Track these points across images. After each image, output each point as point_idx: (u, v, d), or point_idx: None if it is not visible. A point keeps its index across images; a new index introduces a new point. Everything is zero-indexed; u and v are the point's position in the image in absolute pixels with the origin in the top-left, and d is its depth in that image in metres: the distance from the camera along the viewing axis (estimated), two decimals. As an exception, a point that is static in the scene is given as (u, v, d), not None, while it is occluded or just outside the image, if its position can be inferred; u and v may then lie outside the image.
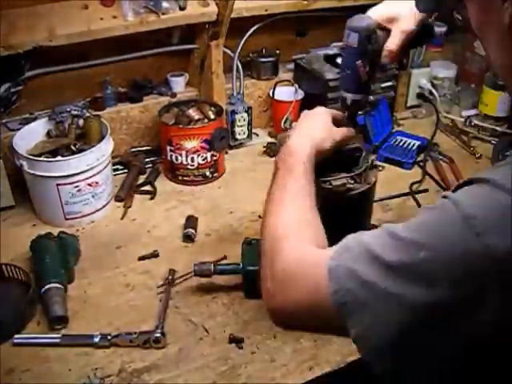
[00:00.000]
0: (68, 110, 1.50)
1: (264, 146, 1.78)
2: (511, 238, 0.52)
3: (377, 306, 0.60)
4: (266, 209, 0.87)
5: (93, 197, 1.43)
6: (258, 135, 1.86)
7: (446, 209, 0.58)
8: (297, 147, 0.95)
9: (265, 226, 0.84)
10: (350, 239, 0.67)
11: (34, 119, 1.53)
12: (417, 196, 1.56)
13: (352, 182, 1.12)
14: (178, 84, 1.75)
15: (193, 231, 1.39)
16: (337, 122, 1.05)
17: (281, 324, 0.78)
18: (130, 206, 1.52)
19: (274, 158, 0.98)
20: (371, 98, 1.83)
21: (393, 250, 0.59)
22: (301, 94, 1.83)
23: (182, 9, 1.54)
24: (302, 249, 0.76)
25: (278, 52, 1.87)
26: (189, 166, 1.60)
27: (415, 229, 0.60)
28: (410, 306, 0.57)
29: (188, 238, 1.39)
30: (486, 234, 0.53)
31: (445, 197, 0.60)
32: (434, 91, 1.98)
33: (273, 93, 1.83)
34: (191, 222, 1.43)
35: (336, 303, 0.63)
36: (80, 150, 1.43)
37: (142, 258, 1.32)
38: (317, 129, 1.00)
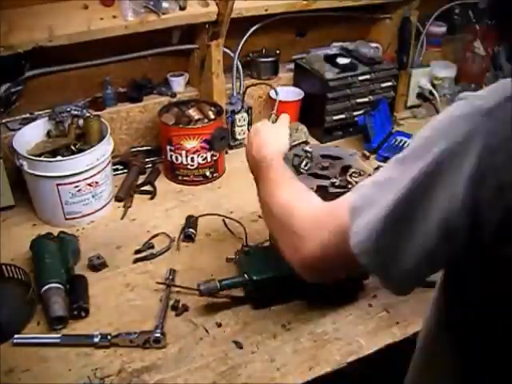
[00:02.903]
0: (68, 109, 1.50)
1: (264, 146, 1.78)
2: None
3: (379, 195, 0.66)
4: (262, 201, 0.98)
5: (93, 197, 1.43)
6: (257, 135, 1.86)
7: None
8: (262, 155, 1.07)
9: (269, 206, 0.93)
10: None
11: (34, 119, 1.53)
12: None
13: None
14: (178, 84, 1.75)
15: (193, 231, 1.39)
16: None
17: (311, 273, 0.80)
18: (130, 206, 1.52)
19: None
20: (371, 98, 1.84)
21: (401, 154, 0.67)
22: (300, 94, 1.83)
23: (182, 9, 1.54)
24: (311, 202, 0.85)
25: (277, 52, 1.87)
26: (189, 166, 1.60)
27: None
28: (409, 179, 0.62)
29: (188, 238, 1.39)
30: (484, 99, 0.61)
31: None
32: (433, 91, 1.98)
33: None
34: (191, 221, 1.43)
35: (350, 210, 0.69)
36: (80, 150, 1.43)
37: (141, 259, 1.32)
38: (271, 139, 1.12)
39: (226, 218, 1.45)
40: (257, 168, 1.06)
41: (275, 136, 1.13)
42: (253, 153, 1.09)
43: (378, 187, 0.67)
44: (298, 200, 0.87)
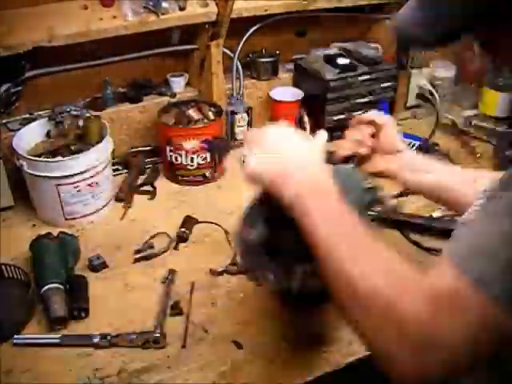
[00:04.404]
0: (68, 110, 1.50)
1: (264, 146, 1.77)
2: None
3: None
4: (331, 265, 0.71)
5: (93, 197, 1.43)
6: (257, 135, 1.86)
7: None
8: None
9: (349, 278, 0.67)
10: (448, 249, 0.65)
11: (34, 119, 1.53)
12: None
13: None
14: (178, 84, 1.75)
15: (186, 231, 1.38)
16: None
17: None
18: (129, 206, 1.52)
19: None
20: (371, 98, 1.84)
21: None
22: (300, 95, 1.83)
23: (181, 9, 1.54)
24: (422, 288, 0.63)
25: (277, 52, 1.87)
26: (188, 167, 1.60)
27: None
28: None
29: (180, 239, 1.38)
30: None
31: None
32: (433, 91, 1.98)
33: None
34: (186, 222, 1.42)
35: (504, 298, 0.58)
36: (80, 151, 1.43)
37: (141, 259, 1.32)
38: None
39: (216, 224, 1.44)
40: (295, 203, 0.77)
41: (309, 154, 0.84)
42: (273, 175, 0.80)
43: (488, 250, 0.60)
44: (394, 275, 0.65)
